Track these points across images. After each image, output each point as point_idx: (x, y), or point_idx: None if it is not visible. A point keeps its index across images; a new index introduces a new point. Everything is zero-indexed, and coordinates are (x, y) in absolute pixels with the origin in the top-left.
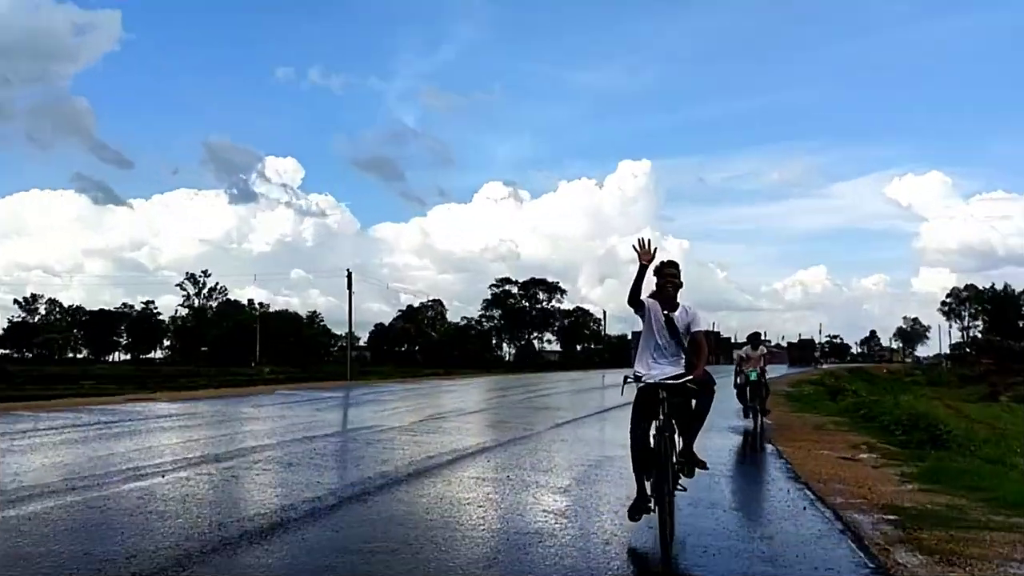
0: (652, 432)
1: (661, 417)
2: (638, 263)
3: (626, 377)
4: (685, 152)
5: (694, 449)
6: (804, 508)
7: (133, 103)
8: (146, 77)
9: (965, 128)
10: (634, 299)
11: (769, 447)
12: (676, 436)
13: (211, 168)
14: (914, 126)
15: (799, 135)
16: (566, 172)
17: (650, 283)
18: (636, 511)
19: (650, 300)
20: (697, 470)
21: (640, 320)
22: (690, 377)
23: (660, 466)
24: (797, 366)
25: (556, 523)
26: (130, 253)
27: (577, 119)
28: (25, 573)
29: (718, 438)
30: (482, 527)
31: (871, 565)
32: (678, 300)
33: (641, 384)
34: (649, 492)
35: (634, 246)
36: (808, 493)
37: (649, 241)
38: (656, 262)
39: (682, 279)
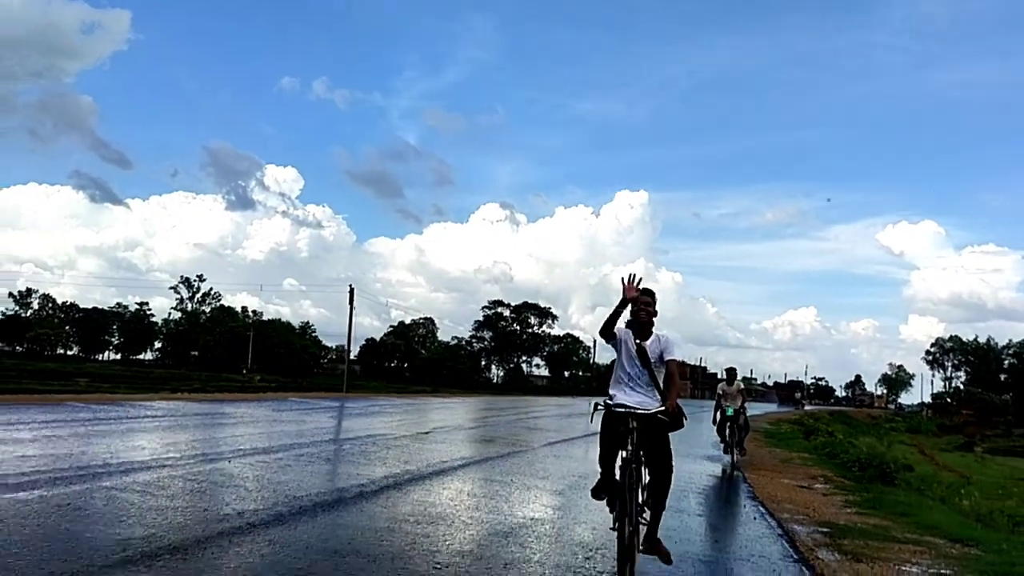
0: (618, 463)
1: (629, 448)
2: (622, 296)
3: (596, 404)
4: (682, 186)
5: (659, 536)
6: (755, 518)
7: (137, 103)
8: (152, 78)
9: (960, 180)
10: (607, 331)
11: (737, 474)
12: (643, 470)
13: (211, 173)
14: (910, 174)
15: (796, 176)
16: (564, 198)
17: (626, 314)
18: (599, 491)
19: (623, 329)
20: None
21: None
22: (662, 409)
23: (623, 498)
24: (786, 405)
25: (555, 514)
26: (123, 253)
27: (577, 147)
28: (192, 517)
29: (693, 464)
30: (498, 512)
31: (796, 557)
32: (653, 330)
33: (611, 409)
34: (612, 524)
35: (623, 279)
36: (761, 509)
37: (640, 278)
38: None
39: (656, 308)
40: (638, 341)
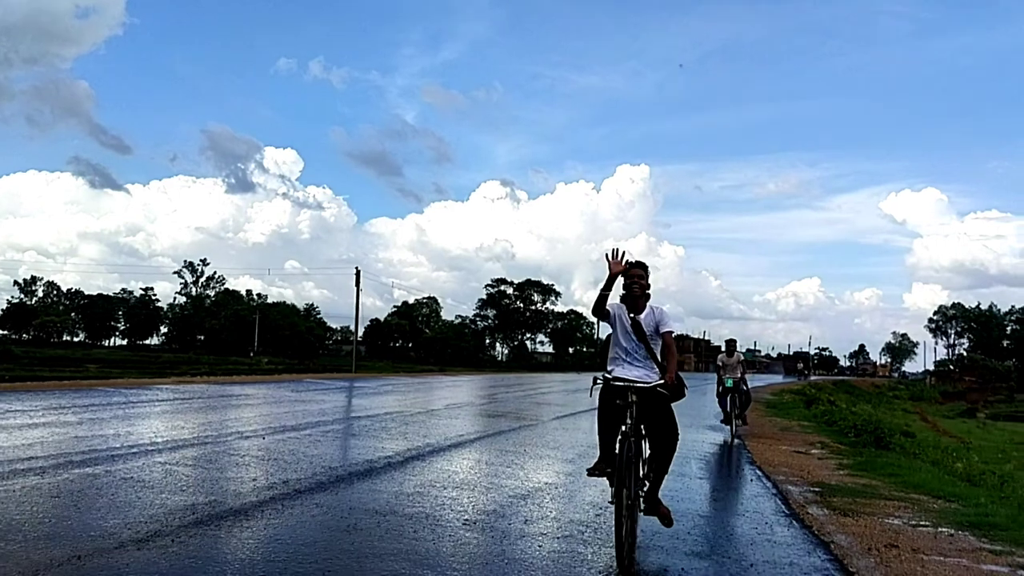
0: (619, 437)
1: (629, 421)
2: (608, 272)
3: (595, 378)
4: (683, 159)
5: (660, 497)
6: (751, 480)
7: (134, 88)
8: (148, 63)
9: (963, 146)
10: (599, 308)
11: (737, 442)
12: (643, 443)
13: (210, 156)
14: (912, 142)
15: (797, 146)
16: (564, 174)
17: (619, 289)
18: (595, 470)
19: (616, 304)
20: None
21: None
22: (661, 382)
23: (622, 472)
24: (792, 376)
25: (567, 479)
26: (125, 238)
27: (577, 122)
28: (244, 486)
29: (696, 434)
30: (515, 478)
31: (787, 512)
32: (647, 303)
33: (611, 383)
34: (611, 498)
35: (606, 255)
36: (758, 472)
37: (623, 252)
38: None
39: (649, 281)
40: (632, 315)
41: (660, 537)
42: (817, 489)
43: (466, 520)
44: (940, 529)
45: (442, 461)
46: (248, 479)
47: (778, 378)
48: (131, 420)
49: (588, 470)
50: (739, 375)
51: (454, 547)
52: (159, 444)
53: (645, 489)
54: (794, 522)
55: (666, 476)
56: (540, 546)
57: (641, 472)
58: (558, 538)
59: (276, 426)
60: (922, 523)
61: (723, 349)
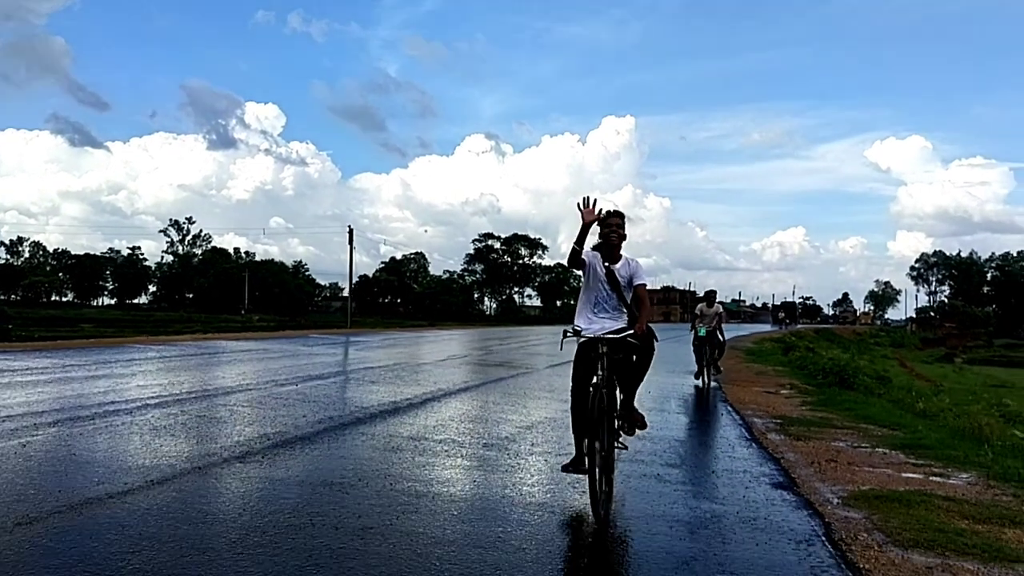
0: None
1: (600, 372)
2: (581, 222)
3: (565, 331)
4: (669, 109)
5: (635, 405)
6: (722, 414)
7: (110, 43)
8: (124, 17)
9: (948, 93)
10: (575, 259)
11: (713, 384)
12: (616, 392)
13: (189, 112)
14: (897, 90)
15: (782, 96)
16: (549, 127)
17: (593, 237)
18: (569, 467)
19: (591, 253)
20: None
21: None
22: (631, 332)
23: (594, 422)
24: (776, 325)
25: (564, 414)
26: (107, 197)
27: (562, 73)
28: (300, 421)
29: (676, 378)
30: (519, 413)
31: (749, 437)
32: (621, 252)
33: (581, 339)
34: (584, 451)
35: (578, 204)
36: (729, 408)
37: (594, 200)
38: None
39: (626, 231)
40: (607, 264)
41: (641, 454)
42: (779, 421)
43: (484, 443)
44: (877, 449)
45: (455, 402)
46: (299, 415)
47: (765, 327)
48: (175, 372)
49: (563, 467)
50: (714, 325)
51: (479, 461)
52: (211, 390)
53: (620, 441)
54: (753, 444)
55: (639, 386)
56: (546, 461)
57: (616, 423)
58: (560, 456)
59: (303, 375)
60: (862, 445)
61: (703, 299)
